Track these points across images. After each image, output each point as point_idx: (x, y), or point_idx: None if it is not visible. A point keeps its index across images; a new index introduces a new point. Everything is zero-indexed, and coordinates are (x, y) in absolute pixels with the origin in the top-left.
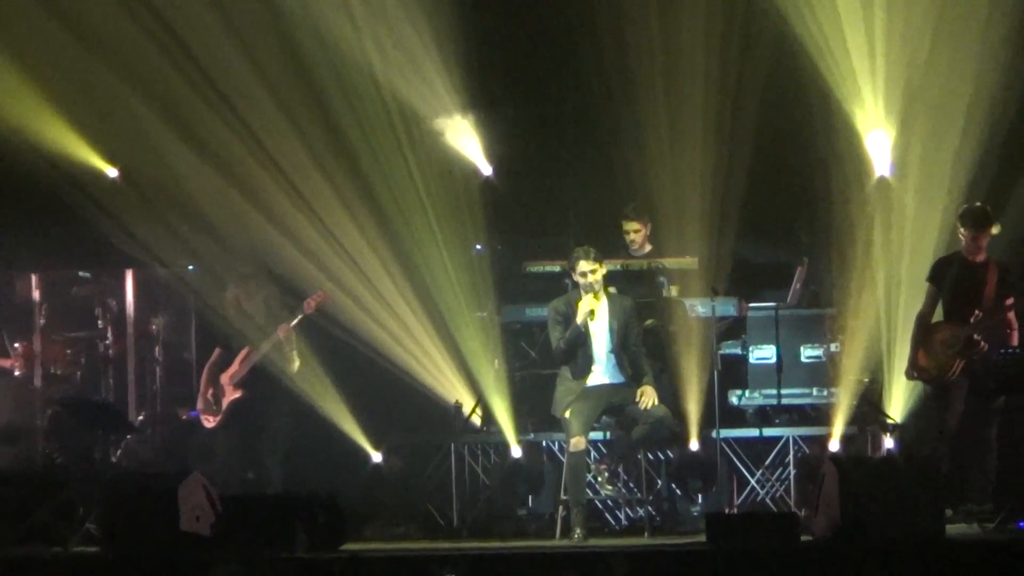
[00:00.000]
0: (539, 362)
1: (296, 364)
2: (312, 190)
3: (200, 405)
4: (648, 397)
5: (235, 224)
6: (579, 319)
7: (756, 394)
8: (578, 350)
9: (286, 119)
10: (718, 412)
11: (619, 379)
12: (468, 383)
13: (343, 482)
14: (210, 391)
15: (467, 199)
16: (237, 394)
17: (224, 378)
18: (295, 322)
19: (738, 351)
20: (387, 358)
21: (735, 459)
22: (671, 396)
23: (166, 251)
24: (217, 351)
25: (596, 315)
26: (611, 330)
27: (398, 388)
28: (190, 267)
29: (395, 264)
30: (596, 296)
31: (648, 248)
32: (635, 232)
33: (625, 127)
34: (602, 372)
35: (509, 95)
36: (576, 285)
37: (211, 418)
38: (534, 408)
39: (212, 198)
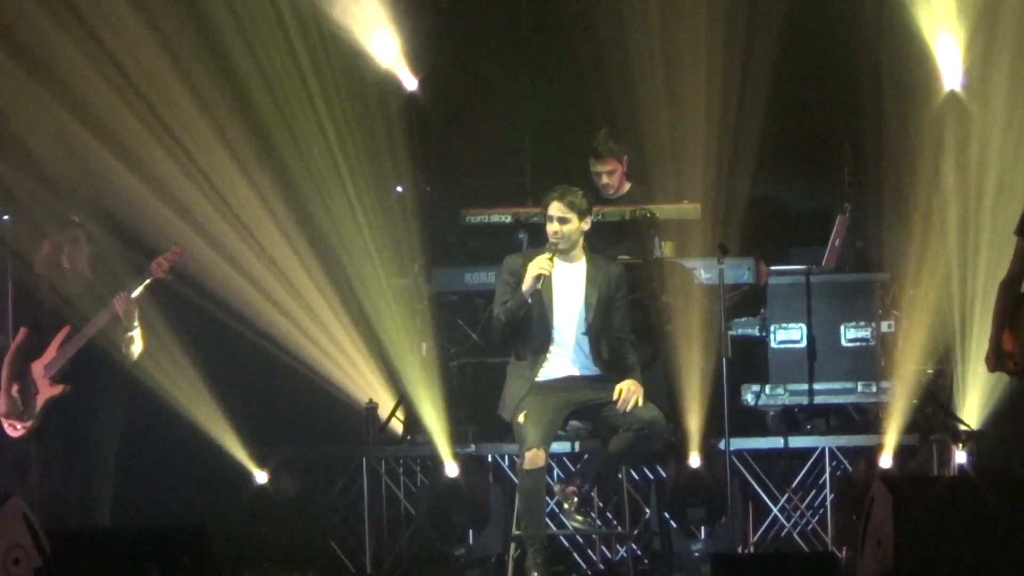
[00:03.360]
0: (483, 347)
1: (138, 348)
2: (172, 110)
3: (2, 407)
4: (630, 395)
5: (66, 155)
6: (525, 285)
7: (780, 390)
8: (533, 326)
9: (135, 10)
10: (728, 415)
11: (592, 371)
12: (385, 375)
13: (215, 511)
14: (15, 387)
15: (384, 123)
16: (55, 390)
17: (36, 368)
18: (139, 290)
19: (755, 332)
20: (275, 341)
21: (751, 479)
22: (664, 393)
23: None
24: (22, 331)
25: (572, 277)
26: (587, 305)
27: (290, 383)
28: (4, 216)
29: (285, 212)
30: (552, 259)
31: (627, 187)
32: (607, 175)
33: (601, 19)
34: (569, 360)
35: None
36: (539, 240)
37: (18, 424)
38: (476, 410)
39: (33, 119)
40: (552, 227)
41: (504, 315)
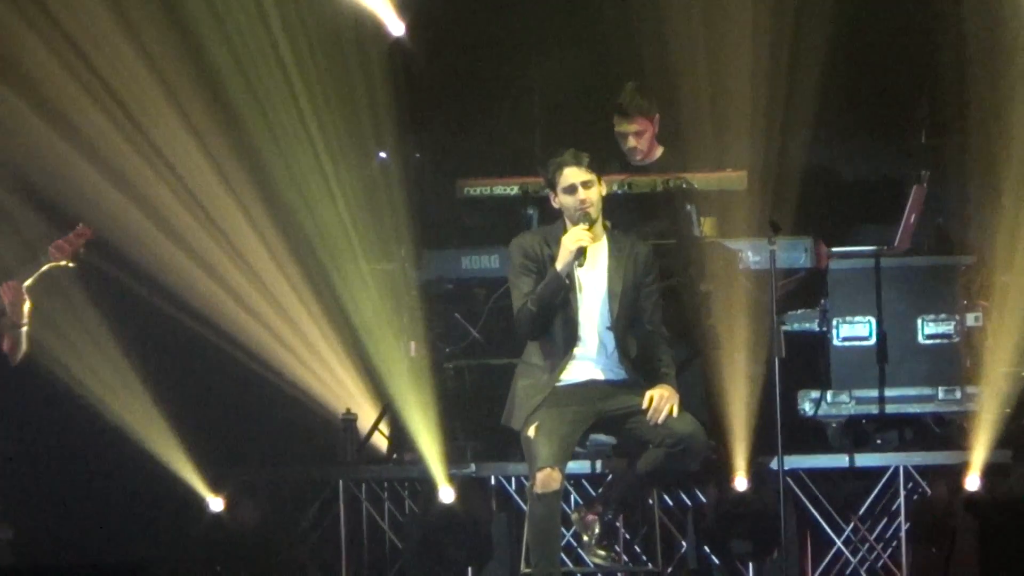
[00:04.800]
0: (485, 346)
1: (22, 348)
2: (108, 59)
3: None
4: (664, 403)
5: None
6: (561, 263)
7: (844, 397)
8: (556, 319)
9: None
10: (781, 428)
11: (618, 374)
12: (367, 381)
13: (160, 545)
14: None
15: (365, 77)
16: None
17: None
18: (31, 279)
19: (814, 327)
20: (233, 340)
21: (810, 505)
22: (703, 401)
23: None
24: None
25: (591, 260)
26: (611, 293)
27: (251, 390)
28: None
29: (244, 184)
30: (592, 228)
31: (659, 153)
32: (635, 137)
33: None
34: (592, 361)
35: None
36: (549, 217)
37: None
38: (477, 422)
39: None
40: (578, 196)
41: (536, 304)
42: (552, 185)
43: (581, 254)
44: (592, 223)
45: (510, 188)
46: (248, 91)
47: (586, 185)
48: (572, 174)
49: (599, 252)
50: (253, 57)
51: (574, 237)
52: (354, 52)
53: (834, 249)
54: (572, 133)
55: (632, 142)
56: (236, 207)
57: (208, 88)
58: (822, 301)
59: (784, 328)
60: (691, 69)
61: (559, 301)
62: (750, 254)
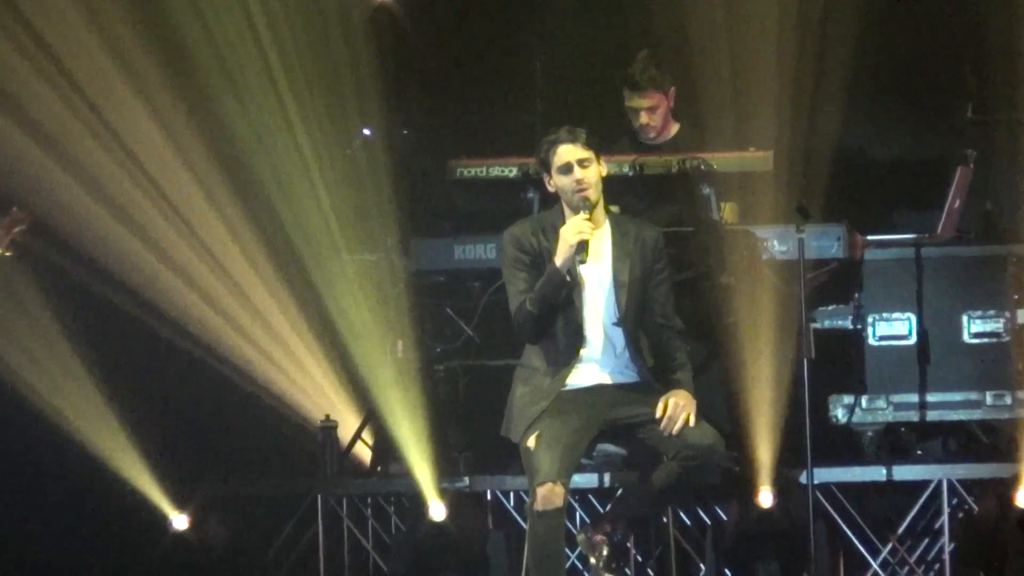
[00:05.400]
0: (481, 345)
1: None
2: (57, 26)
3: None
4: (679, 411)
5: None
6: (560, 258)
7: (881, 403)
8: (558, 317)
9: None
10: (810, 436)
11: (629, 376)
12: (348, 386)
13: (119, 566)
14: None
15: (346, 44)
16: None
17: None
18: None
19: (847, 324)
20: (198, 340)
21: (842, 523)
22: (724, 408)
23: None
24: None
25: (594, 250)
26: (617, 284)
27: (219, 395)
28: None
29: (213, 165)
30: (591, 217)
31: (674, 130)
32: (647, 112)
33: None
34: (599, 362)
35: None
36: (551, 202)
37: None
38: (471, 430)
39: None
40: (575, 176)
41: (535, 304)
42: (547, 166)
43: (583, 248)
44: (592, 208)
45: (508, 169)
46: (214, 59)
47: (583, 164)
48: (567, 152)
49: (602, 240)
50: (221, 21)
51: (574, 229)
52: (335, 17)
53: (869, 237)
54: (577, 108)
55: (644, 118)
56: (201, 191)
57: (169, 57)
58: (856, 295)
59: (814, 325)
60: (711, 37)
61: (561, 300)
62: (776, 243)
